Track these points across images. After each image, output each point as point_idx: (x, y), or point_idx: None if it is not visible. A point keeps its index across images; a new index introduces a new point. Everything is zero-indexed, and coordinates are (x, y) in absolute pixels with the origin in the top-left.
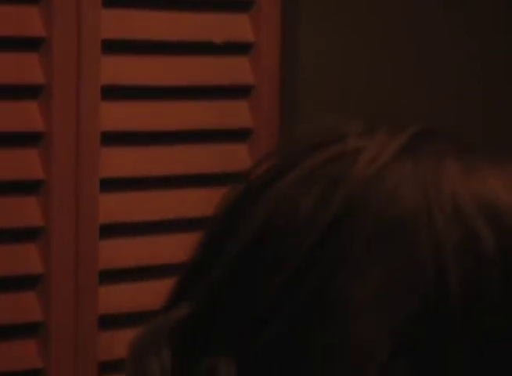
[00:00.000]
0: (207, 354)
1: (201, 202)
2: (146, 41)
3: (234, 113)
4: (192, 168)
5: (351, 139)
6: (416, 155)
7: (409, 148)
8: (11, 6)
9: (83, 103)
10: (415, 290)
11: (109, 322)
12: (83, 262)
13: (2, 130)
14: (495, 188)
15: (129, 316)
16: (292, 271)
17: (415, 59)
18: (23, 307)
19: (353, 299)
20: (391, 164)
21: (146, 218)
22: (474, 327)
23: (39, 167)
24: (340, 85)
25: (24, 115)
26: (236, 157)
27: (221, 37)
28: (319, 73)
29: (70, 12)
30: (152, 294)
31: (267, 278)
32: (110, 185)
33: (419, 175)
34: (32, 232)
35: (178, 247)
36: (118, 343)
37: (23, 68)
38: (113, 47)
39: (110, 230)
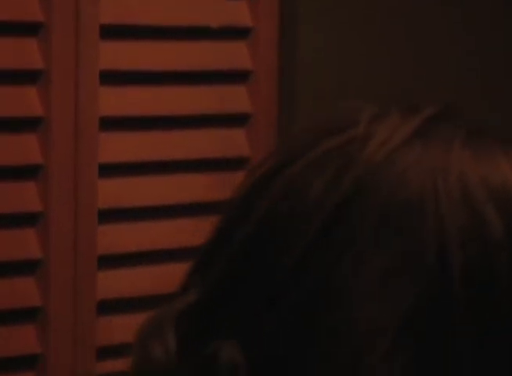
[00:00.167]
0: (212, 339)
1: (200, 187)
2: (144, 26)
3: (232, 98)
4: (190, 152)
5: (362, 123)
6: (426, 139)
7: (420, 132)
8: None
9: (82, 88)
10: (418, 276)
11: (108, 307)
12: (82, 248)
13: (1, 115)
14: (506, 172)
15: (128, 302)
16: (299, 255)
17: (413, 55)
18: (21, 292)
19: (357, 285)
20: (401, 148)
21: (144, 204)
22: (478, 313)
23: (38, 152)
24: (338, 71)
25: (23, 100)
26: (235, 142)
27: (219, 22)
28: (317, 58)
29: None
30: (151, 279)
31: (275, 262)
32: (109, 170)
33: (428, 159)
34: (31, 217)
35: (176, 233)
36: (117, 328)
37: (22, 53)
38: (111, 32)
39: (109, 215)
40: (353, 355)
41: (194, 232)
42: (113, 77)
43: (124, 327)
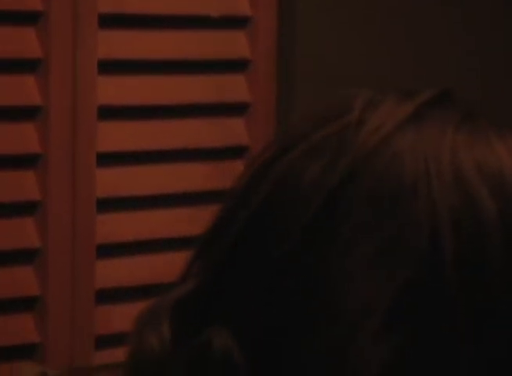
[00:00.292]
0: (207, 327)
1: (199, 176)
2: (142, 15)
3: (231, 87)
4: (189, 141)
5: (357, 109)
6: (420, 123)
7: (415, 116)
8: None
9: (80, 77)
10: (409, 258)
11: (107, 296)
12: (80, 237)
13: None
14: (502, 156)
15: (126, 291)
16: (296, 238)
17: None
18: (20, 281)
19: (350, 266)
20: (395, 132)
21: (143, 193)
22: (470, 295)
23: (36, 141)
24: (337, 59)
25: (21, 89)
26: (234, 131)
27: (218, 11)
28: (316, 47)
29: None
30: (149, 268)
31: (273, 245)
32: (107, 159)
33: (421, 143)
34: (29, 206)
35: (175, 222)
36: (115, 317)
37: (21, 42)
38: (109, 21)
39: (107, 204)
40: (344, 336)
41: (193, 221)
42: (111, 66)
43: (123, 316)
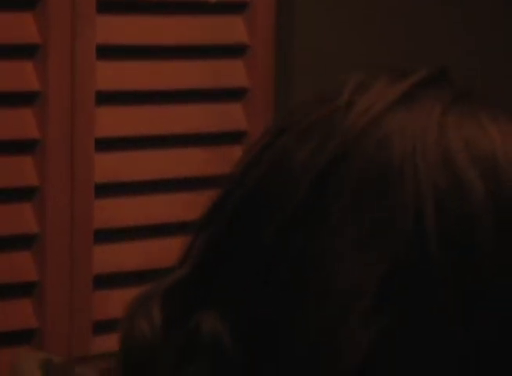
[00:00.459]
0: (197, 312)
1: (197, 161)
2: (141, 0)
3: (230, 73)
4: (187, 127)
5: (346, 92)
6: (411, 104)
7: (406, 97)
8: None
9: (78, 62)
10: (395, 239)
11: (104, 282)
12: (78, 222)
13: None
14: (494, 138)
15: (124, 276)
16: (286, 217)
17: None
18: (18, 267)
19: (340, 246)
20: (385, 113)
21: (141, 178)
22: (459, 277)
23: (34, 126)
24: (336, 44)
25: (20, 74)
26: (232, 116)
27: None
28: (314, 32)
29: None
30: (147, 253)
31: (265, 225)
32: (106, 144)
33: (410, 124)
34: (27, 191)
35: (173, 207)
36: (113, 303)
37: (19, 27)
38: (108, 6)
39: (106, 190)
40: (334, 317)
41: (191, 206)
42: (109, 52)
43: (121, 302)
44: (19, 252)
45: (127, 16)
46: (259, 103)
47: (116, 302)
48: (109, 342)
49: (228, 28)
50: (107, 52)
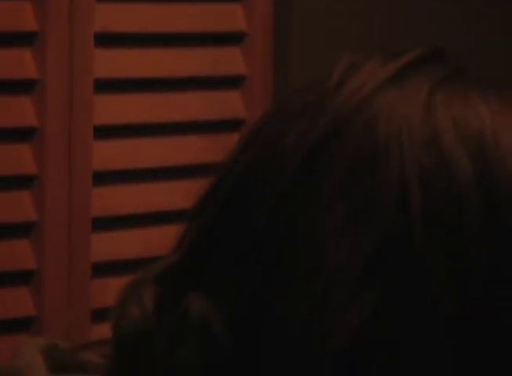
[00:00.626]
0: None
1: (196, 149)
2: None
3: (228, 60)
4: (186, 115)
5: (337, 73)
6: (402, 83)
7: (397, 76)
8: None
9: (77, 50)
10: (383, 216)
11: (103, 269)
12: (76, 210)
13: None
14: (484, 117)
15: (122, 264)
16: (276, 193)
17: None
18: (16, 255)
19: (331, 221)
20: (376, 92)
21: (139, 166)
22: (446, 255)
23: (33, 114)
24: (334, 32)
25: (18, 62)
26: (230, 104)
27: None
28: (312, 19)
29: None
30: (145, 241)
31: (255, 206)
32: (104, 132)
33: (399, 104)
34: (26, 179)
35: (171, 195)
36: (111, 291)
37: (17, 15)
38: None
39: (104, 178)
40: (323, 293)
41: (189, 194)
42: (108, 39)
43: (119, 290)
44: (17, 240)
45: (125, 4)
46: (258, 91)
47: (114, 290)
48: (108, 330)
49: (227, 16)
50: (106, 39)
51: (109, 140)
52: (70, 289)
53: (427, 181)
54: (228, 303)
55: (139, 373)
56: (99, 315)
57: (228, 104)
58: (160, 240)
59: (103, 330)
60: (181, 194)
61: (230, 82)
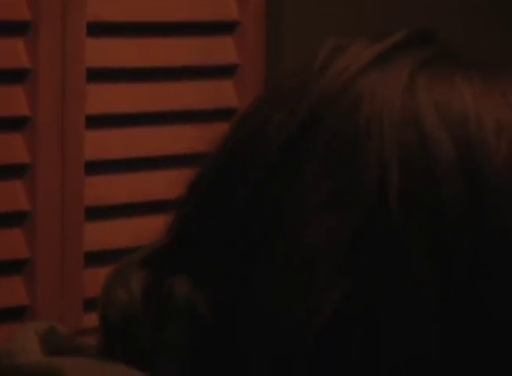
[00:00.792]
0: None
1: (188, 138)
2: None
3: (220, 50)
4: (178, 104)
5: (320, 56)
6: (385, 66)
7: (381, 58)
8: None
9: (69, 39)
10: (363, 198)
11: (95, 259)
12: (69, 199)
13: None
14: (466, 100)
15: (115, 253)
16: (260, 172)
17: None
18: (9, 244)
19: (312, 202)
20: (360, 75)
21: (132, 155)
22: (426, 237)
23: (25, 103)
24: (326, 21)
25: (10, 52)
26: (223, 93)
27: None
28: (304, 7)
29: None
30: (138, 231)
31: (238, 190)
32: (96, 121)
33: (380, 85)
34: (18, 169)
35: (164, 184)
36: (104, 280)
37: (9, 5)
38: None
39: (96, 167)
40: (306, 271)
41: (181, 183)
42: (100, 29)
43: (106, 274)
44: (10, 229)
45: None
46: (250, 80)
47: None
48: None
49: (219, 4)
50: (98, 29)
51: (102, 129)
52: (62, 278)
53: (407, 162)
54: (212, 284)
55: (128, 355)
56: (91, 304)
57: (220, 93)
58: (153, 230)
59: (96, 320)
60: (173, 183)
61: (223, 71)
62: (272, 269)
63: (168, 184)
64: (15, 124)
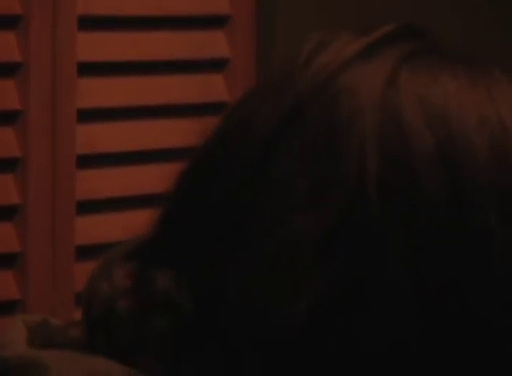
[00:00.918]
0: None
1: (179, 132)
2: None
3: (211, 43)
4: (169, 98)
5: (305, 51)
6: (368, 60)
7: (365, 53)
8: None
9: (60, 33)
10: (343, 189)
11: (87, 253)
12: (60, 193)
13: None
14: (448, 93)
15: (106, 247)
16: (241, 171)
17: None
18: (0, 238)
19: (295, 188)
20: (343, 69)
21: (123, 149)
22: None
23: (16, 97)
24: (318, 14)
25: (1, 46)
26: (214, 87)
27: None
28: (296, 1)
29: None
30: (129, 225)
31: (219, 184)
32: (87, 115)
33: (363, 79)
34: (9, 162)
35: (155, 178)
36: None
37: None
38: None
39: (88, 161)
40: (288, 261)
41: (172, 177)
42: (91, 23)
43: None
44: (1, 223)
45: None
46: (241, 74)
47: None
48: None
49: None
50: (89, 23)
51: (93, 123)
52: (54, 272)
53: (386, 153)
54: (195, 278)
55: (110, 348)
56: None
57: (211, 87)
58: (144, 224)
59: None
60: (165, 177)
61: (214, 65)
62: (254, 260)
63: (160, 178)
64: (6, 117)
